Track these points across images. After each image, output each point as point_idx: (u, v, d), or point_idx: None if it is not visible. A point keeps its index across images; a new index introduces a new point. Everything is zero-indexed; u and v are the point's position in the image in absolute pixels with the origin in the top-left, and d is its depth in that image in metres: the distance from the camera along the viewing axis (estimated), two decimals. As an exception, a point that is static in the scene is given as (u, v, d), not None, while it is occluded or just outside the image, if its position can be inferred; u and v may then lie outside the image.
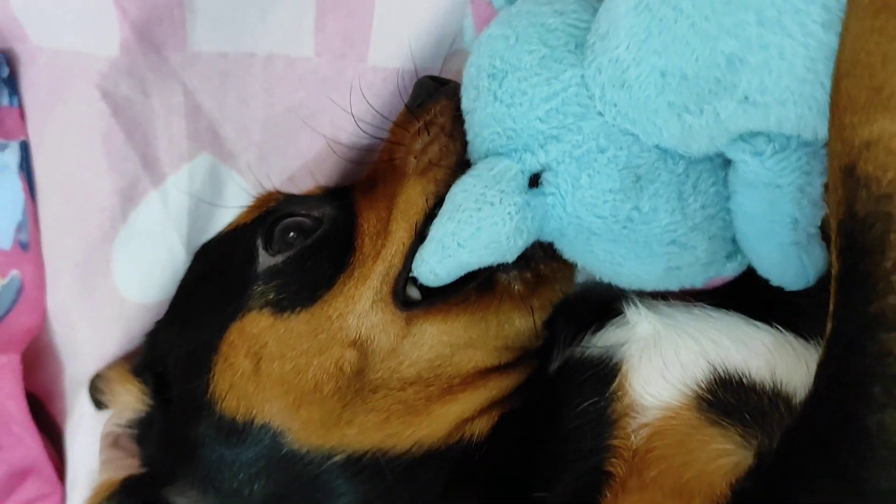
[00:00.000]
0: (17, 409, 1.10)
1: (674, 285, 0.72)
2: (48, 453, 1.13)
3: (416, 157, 0.78)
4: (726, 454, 0.62)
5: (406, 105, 0.83)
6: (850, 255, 0.51)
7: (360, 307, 0.75)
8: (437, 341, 0.75)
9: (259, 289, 0.78)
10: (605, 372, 0.73)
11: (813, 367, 0.56)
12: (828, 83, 0.54)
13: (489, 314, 0.76)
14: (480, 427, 0.76)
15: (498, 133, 0.69)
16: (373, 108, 0.90)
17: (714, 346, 0.70)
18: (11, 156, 1.01)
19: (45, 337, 1.10)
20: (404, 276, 0.76)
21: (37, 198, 1.02)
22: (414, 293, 0.77)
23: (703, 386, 0.68)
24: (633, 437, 0.68)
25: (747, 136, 0.59)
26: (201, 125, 0.97)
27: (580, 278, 0.86)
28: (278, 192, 0.90)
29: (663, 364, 0.71)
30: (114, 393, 0.89)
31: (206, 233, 0.98)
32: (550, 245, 0.75)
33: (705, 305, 0.75)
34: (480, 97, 0.70)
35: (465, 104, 0.74)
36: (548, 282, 0.79)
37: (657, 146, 0.64)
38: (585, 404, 0.72)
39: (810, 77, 0.54)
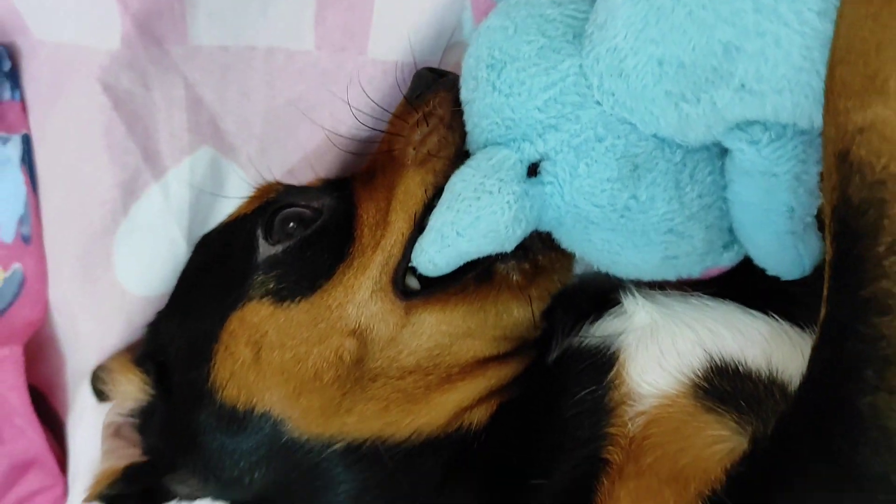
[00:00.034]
0: (20, 402, 1.11)
1: (671, 275, 0.73)
2: (50, 446, 1.13)
3: (414, 149, 0.79)
4: (722, 440, 0.63)
5: (405, 96, 0.84)
6: (843, 241, 0.52)
7: (360, 297, 0.76)
8: (435, 331, 0.76)
9: (259, 278, 0.79)
10: (603, 361, 0.74)
11: (808, 355, 0.56)
12: (823, 71, 0.54)
13: (488, 304, 0.77)
14: (479, 416, 0.77)
15: (496, 123, 0.70)
16: (372, 100, 0.90)
17: (710, 335, 0.71)
18: (13, 149, 1.02)
19: (46, 330, 1.10)
20: (403, 266, 0.76)
21: (38, 191, 1.03)
22: (413, 283, 0.77)
23: (699, 374, 0.69)
24: (629, 425, 0.68)
25: (744, 125, 0.59)
26: (202, 118, 0.97)
27: (578, 269, 0.86)
28: (278, 183, 0.91)
29: (660, 353, 0.71)
30: (115, 383, 0.89)
31: (206, 226, 0.99)
32: (549, 235, 0.75)
33: (702, 295, 0.76)
34: (479, 88, 0.70)
35: (464, 95, 0.74)
36: (546, 272, 0.80)
37: (654, 135, 0.65)
38: (583, 393, 0.72)
39: (806, 65, 0.55)
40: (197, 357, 0.80)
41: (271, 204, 0.85)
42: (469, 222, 0.68)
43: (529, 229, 0.70)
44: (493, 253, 0.71)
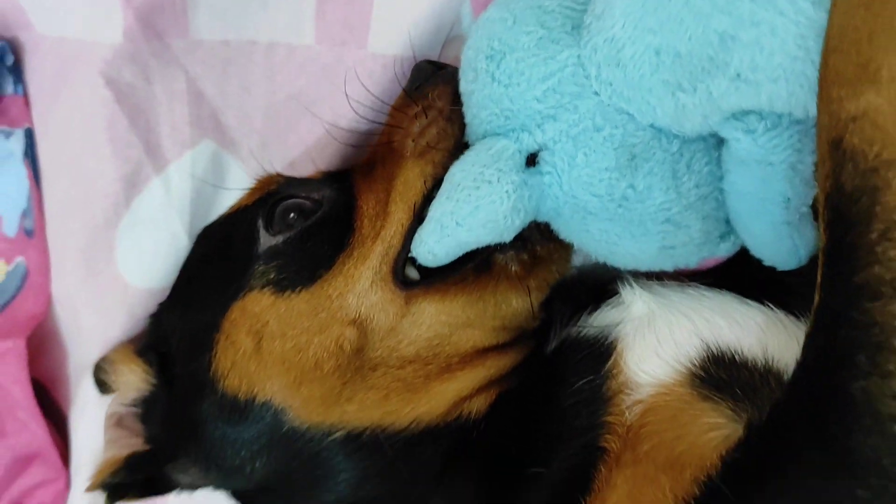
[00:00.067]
0: (23, 395, 1.12)
1: (668, 265, 0.73)
2: (53, 439, 1.14)
3: (413, 140, 0.79)
4: (717, 427, 0.63)
5: (404, 89, 0.84)
6: (836, 228, 0.52)
7: (360, 286, 0.76)
8: (435, 321, 0.76)
9: (260, 268, 0.79)
10: (601, 351, 0.74)
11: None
12: (818, 60, 0.55)
13: (487, 294, 0.78)
14: (478, 405, 0.77)
15: (496, 114, 0.70)
16: (372, 94, 0.91)
17: (707, 325, 0.72)
18: (16, 143, 1.02)
19: (49, 323, 1.11)
20: (403, 257, 0.77)
21: (41, 185, 1.04)
22: (413, 274, 0.78)
23: (696, 363, 0.69)
24: (627, 414, 0.69)
25: (740, 115, 0.60)
26: (203, 112, 0.98)
27: (577, 261, 0.87)
28: (279, 175, 0.91)
29: (657, 342, 0.72)
30: (118, 373, 0.90)
31: (208, 219, 0.99)
32: (547, 226, 0.76)
33: (699, 285, 0.76)
34: (478, 79, 0.71)
35: (464, 86, 0.75)
36: (544, 263, 0.80)
37: (651, 125, 0.65)
38: (581, 382, 0.73)
39: (801, 54, 0.55)
40: (198, 347, 0.81)
41: (272, 195, 0.85)
42: (468, 212, 0.68)
43: (528, 219, 0.71)
44: (492, 243, 0.71)
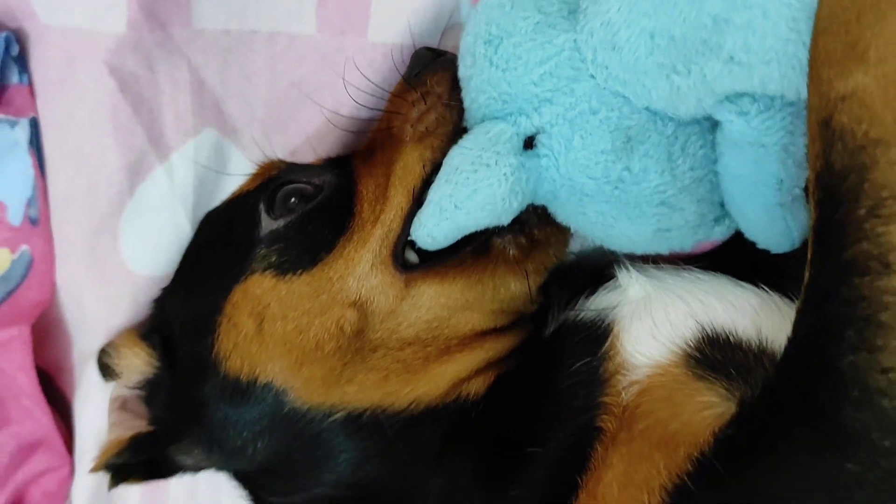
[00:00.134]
0: (28, 382, 1.13)
1: (664, 248, 0.74)
2: (57, 427, 1.15)
3: (412, 126, 0.80)
4: (711, 406, 0.64)
5: (403, 76, 0.85)
6: (826, 206, 0.53)
7: (360, 269, 0.77)
8: (434, 303, 0.77)
9: (262, 252, 0.80)
10: (598, 333, 0.75)
11: (795, 320, 0.58)
12: (809, 43, 0.55)
13: (485, 277, 0.78)
14: (477, 387, 0.78)
15: (493, 98, 0.71)
16: (373, 83, 0.92)
17: (702, 306, 0.72)
18: (21, 132, 1.03)
19: (54, 311, 1.12)
20: (403, 240, 0.78)
21: (46, 173, 1.04)
22: (412, 257, 0.79)
23: (691, 344, 0.70)
24: (623, 394, 0.70)
25: (733, 97, 0.61)
26: (206, 101, 0.99)
27: (575, 247, 0.88)
28: (280, 161, 0.92)
29: (653, 324, 0.73)
30: (122, 356, 0.90)
31: (210, 207, 1.00)
32: (544, 210, 0.77)
33: (694, 268, 0.77)
34: (476, 64, 0.72)
35: (462, 71, 0.76)
36: (542, 246, 0.81)
37: (647, 108, 0.66)
38: (578, 364, 0.74)
39: (793, 37, 0.56)
40: (201, 330, 0.82)
41: (273, 180, 0.86)
42: (467, 195, 0.69)
43: (526, 202, 0.72)
44: (490, 226, 0.72)
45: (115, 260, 1.02)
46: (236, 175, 0.96)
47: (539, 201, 0.74)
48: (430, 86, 0.80)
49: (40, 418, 1.14)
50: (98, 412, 1.03)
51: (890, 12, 0.50)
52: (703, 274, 0.77)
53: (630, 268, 0.79)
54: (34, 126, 1.04)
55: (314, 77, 0.96)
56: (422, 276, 0.77)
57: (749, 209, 0.68)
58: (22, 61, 1.03)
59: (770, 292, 0.73)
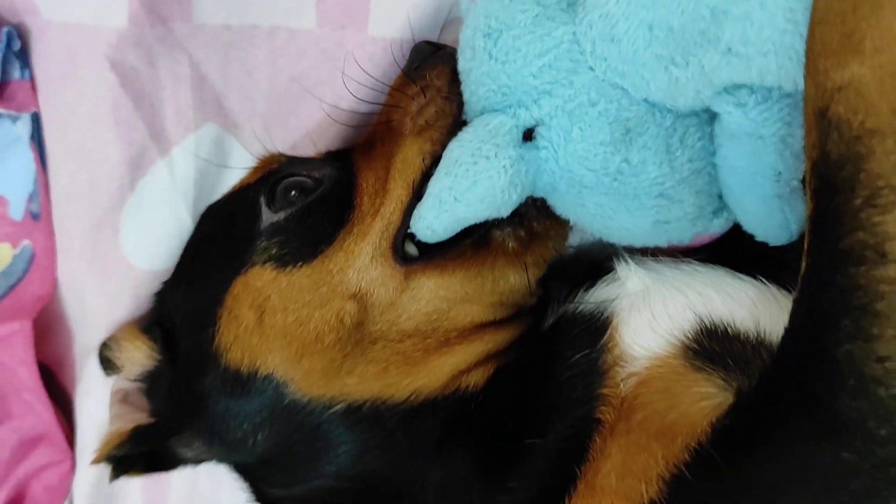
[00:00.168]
0: (29, 376, 1.13)
1: (662, 240, 0.75)
2: (58, 421, 1.15)
3: (412, 119, 0.81)
4: (709, 397, 0.65)
5: (402, 70, 0.86)
6: (822, 196, 0.53)
7: (360, 262, 0.78)
8: (434, 296, 0.78)
9: (262, 244, 0.81)
10: (597, 326, 0.75)
11: (793, 311, 0.58)
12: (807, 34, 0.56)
13: (484, 270, 0.79)
14: (476, 379, 0.79)
15: (493, 91, 0.71)
16: (373, 77, 0.92)
17: (700, 298, 0.73)
18: (23, 127, 1.03)
19: (55, 306, 1.12)
20: (402, 233, 0.78)
21: (47, 168, 1.05)
22: (412, 250, 0.79)
23: (689, 336, 0.71)
24: (622, 386, 0.70)
25: (731, 89, 0.61)
26: (207, 96, 0.99)
27: (574, 241, 0.89)
28: (281, 155, 0.92)
29: (652, 316, 0.73)
30: (123, 349, 0.91)
31: (211, 201, 1.00)
32: (543, 203, 0.77)
33: (692, 261, 0.78)
34: (476, 57, 0.72)
35: (462, 64, 0.76)
36: (541, 239, 0.82)
37: (645, 100, 0.67)
38: (577, 356, 0.74)
39: (790, 28, 0.56)
40: (202, 322, 0.82)
41: (274, 174, 0.87)
42: (466, 187, 0.70)
43: (525, 194, 0.72)
44: (490, 218, 0.73)
45: (117, 254, 1.02)
46: (237, 168, 0.97)
47: (538, 194, 0.74)
48: (429, 79, 0.81)
49: (41, 413, 1.14)
50: (99, 406, 1.03)
51: (886, 3, 0.50)
52: (702, 266, 0.77)
53: (629, 260, 0.79)
54: (36, 121, 1.04)
55: (314, 71, 0.96)
56: (421, 269, 0.78)
57: (747, 201, 0.69)
58: (23, 56, 1.03)
59: (768, 284, 0.73)
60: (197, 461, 0.88)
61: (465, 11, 0.79)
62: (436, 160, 0.76)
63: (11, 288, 1.08)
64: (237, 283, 0.81)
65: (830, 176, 0.53)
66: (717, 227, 0.74)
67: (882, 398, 0.50)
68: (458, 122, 0.78)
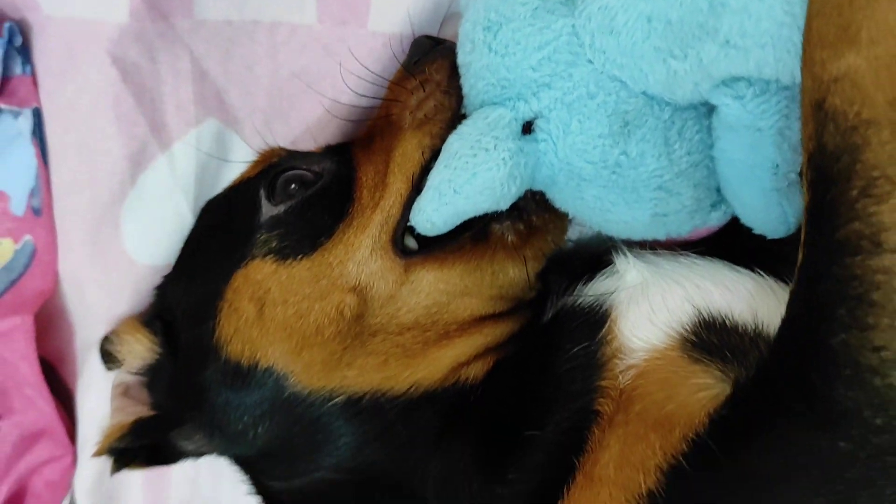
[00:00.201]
0: (30, 371, 1.13)
1: (661, 233, 0.75)
2: (59, 416, 1.16)
3: (411, 113, 0.81)
4: (707, 388, 0.65)
5: (402, 64, 0.86)
6: (819, 187, 0.54)
7: (360, 255, 0.78)
8: (433, 289, 0.78)
9: (262, 237, 0.81)
10: (596, 318, 0.76)
11: (790, 302, 0.58)
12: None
13: (484, 263, 0.79)
14: (475, 371, 0.79)
15: (492, 84, 0.72)
16: (373, 73, 0.92)
17: (698, 291, 0.73)
18: (25, 122, 1.04)
19: (56, 301, 1.12)
20: (402, 226, 0.79)
21: (49, 163, 1.05)
22: (411, 243, 0.79)
23: (687, 328, 0.71)
24: (620, 378, 0.70)
25: (729, 81, 0.62)
26: (207, 91, 0.99)
27: (573, 235, 0.89)
28: (281, 149, 0.93)
29: (651, 309, 0.73)
30: (124, 343, 0.91)
31: (212, 196, 1.01)
32: (543, 197, 0.78)
33: (690, 254, 0.78)
34: (476, 50, 0.73)
35: (461, 58, 0.77)
36: (540, 233, 0.82)
37: (644, 92, 0.67)
38: (576, 349, 0.74)
39: (788, 20, 0.57)
40: (202, 315, 0.83)
41: (274, 167, 0.87)
42: (465, 179, 0.70)
43: (524, 186, 0.72)
44: (489, 211, 0.73)
45: (117, 249, 1.03)
46: (238, 162, 0.97)
47: (537, 187, 0.75)
48: (428, 73, 0.81)
49: (43, 408, 1.15)
50: (100, 401, 1.03)
51: (882, -6, 0.50)
52: (700, 259, 0.77)
53: (627, 253, 0.79)
54: (37, 116, 1.04)
55: (315, 67, 0.96)
56: (421, 262, 0.78)
57: (745, 194, 0.69)
58: (25, 52, 1.03)
59: (766, 277, 0.74)
60: (198, 454, 0.88)
61: (465, 6, 0.79)
62: (435, 154, 0.77)
63: (13, 283, 1.08)
64: (237, 276, 0.81)
65: (827, 167, 0.53)
66: (716, 220, 0.75)
67: (878, 387, 0.51)
68: (457, 116, 0.79)
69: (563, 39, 0.68)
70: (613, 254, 0.80)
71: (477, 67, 0.73)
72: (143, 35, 0.96)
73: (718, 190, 0.72)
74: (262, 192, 0.84)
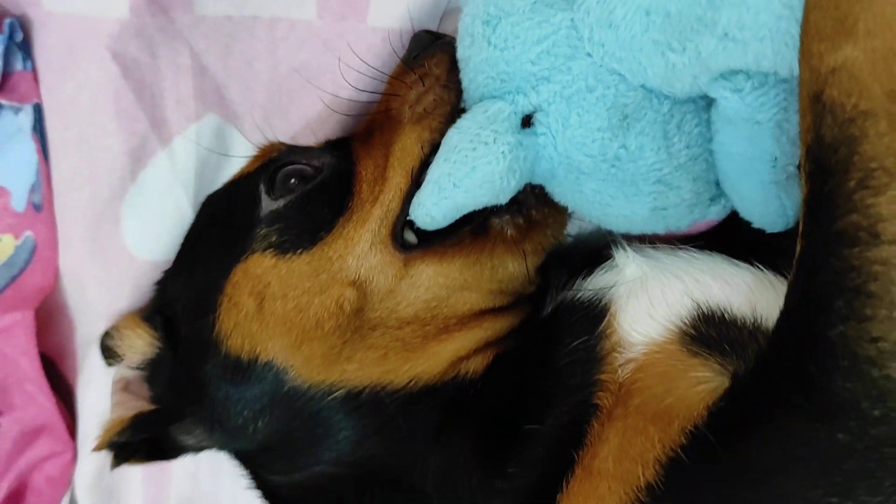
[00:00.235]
0: (31, 367, 1.13)
1: (660, 227, 0.75)
2: (60, 412, 1.16)
3: (411, 107, 0.81)
4: (705, 381, 0.65)
5: (401, 58, 0.86)
6: (817, 178, 0.54)
7: (359, 249, 0.78)
8: (433, 283, 0.78)
9: (262, 231, 0.81)
10: (595, 312, 0.76)
11: (789, 296, 0.59)
12: (802, 19, 0.56)
13: (483, 257, 0.79)
14: (475, 365, 0.79)
15: (492, 77, 0.72)
16: (373, 68, 0.93)
17: (697, 285, 0.73)
18: (25, 118, 1.04)
19: (57, 297, 1.12)
20: (401, 220, 0.79)
21: (49, 159, 1.05)
22: (411, 238, 0.79)
23: (686, 322, 0.71)
24: (619, 372, 0.71)
25: (728, 75, 0.62)
26: (207, 86, 1.00)
27: (572, 230, 0.89)
28: (281, 143, 0.93)
29: (650, 303, 0.74)
30: (124, 338, 0.91)
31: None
32: (542, 191, 0.78)
33: (690, 248, 0.78)
34: (475, 44, 0.73)
35: (461, 52, 0.77)
36: (539, 227, 0.82)
37: (643, 86, 0.67)
38: (576, 343, 0.74)
39: (786, 13, 0.57)
40: (202, 309, 0.83)
41: (273, 162, 0.87)
42: (465, 173, 0.70)
43: (523, 180, 0.73)
44: (489, 204, 0.73)
45: (118, 245, 1.03)
46: (238, 156, 0.97)
47: (537, 180, 0.75)
48: (428, 68, 0.81)
49: (43, 403, 1.15)
50: (101, 397, 1.03)
51: (879, -13, 0.50)
52: (699, 253, 0.77)
53: (627, 248, 0.80)
54: (38, 112, 1.04)
55: (315, 62, 0.97)
56: (420, 256, 0.78)
57: (744, 187, 0.69)
58: (26, 48, 1.03)
59: (765, 271, 0.74)
60: (198, 448, 0.88)
61: (465, 0, 0.79)
62: (434, 148, 0.77)
63: (13, 279, 1.08)
64: (237, 271, 0.81)
65: (825, 159, 0.53)
66: (715, 214, 0.75)
67: (875, 379, 0.51)
68: (456, 110, 0.79)
69: (561, 33, 0.68)
70: (613, 248, 0.80)
71: (476, 61, 0.73)
72: (144, 31, 0.96)
73: (717, 184, 0.73)
74: (262, 187, 0.84)
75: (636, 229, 0.77)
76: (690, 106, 0.69)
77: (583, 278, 0.81)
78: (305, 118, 0.99)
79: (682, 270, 0.75)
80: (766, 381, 0.58)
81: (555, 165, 0.72)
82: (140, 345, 0.89)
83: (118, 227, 1.03)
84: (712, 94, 0.64)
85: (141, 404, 0.88)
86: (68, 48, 1.00)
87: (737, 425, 0.59)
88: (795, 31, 0.57)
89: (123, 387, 0.91)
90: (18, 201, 1.06)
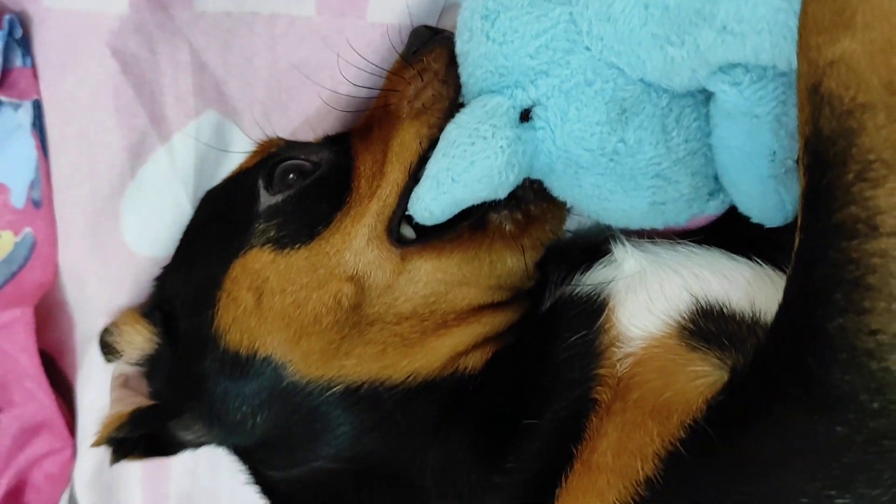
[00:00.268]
0: (30, 364, 1.13)
1: (659, 222, 0.75)
2: (59, 409, 1.16)
3: (409, 103, 0.81)
4: (704, 375, 0.65)
5: (400, 54, 0.86)
6: (815, 171, 0.54)
7: (356, 244, 0.78)
8: (431, 278, 0.78)
9: (261, 226, 0.81)
10: (594, 307, 0.76)
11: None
12: (800, 12, 0.56)
13: (481, 252, 0.79)
14: (474, 361, 0.79)
15: (490, 72, 0.72)
16: (372, 64, 0.93)
17: (696, 280, 0.73)
18: (25, 115, 1.04)
19: (56, 293, 1.13)
20: (399, 215, 0.79)
21: (49, 156, 1.05)
22: (409, 233, 0.79)
23: (685, 316, 0.71)
24: (618, 366, 0.71)
25: (726, 68, 0.62)
26: (207, 82, 1.00)
27: (571, 226, 0.89)
28: (280, 139, 0.93)
29: (648, 298, 0.73)
30: (123, 334, 0.91)
31: (211, 187, 1.01)
32: (541, 186, 0.78)
33: (688, 243, 0.78)
34: (473, 38, 0.73)
35: (459, 47, 0.77)
36: (538, 222, 0.82)
37: (641, 80, 0.67)
38: (574, 338, 0.74)
39: (784, 6, 0.57)
40: (201, 304, 0.83)
41: (272, 157, 0.87)
42: (464, 167, 0.70)
43: (522, 175, 0.72)
44: (487, 199, 0.73)
45: (117, 241, 1.03)
46: (237, 152, 0.97)
47: (535, 175, 0.75)
48: (426, 63, 0.81)
49: (43, 400, 1.15)
50: (100, 394, 1.03)
51: (876, -21, 0.50)
52: (698, 248, 0.77)
53: (625, 242, 0.79)
54: (37, 108, 1.05)
55: (314, 58, 0.97)
56: (418, 251, 0.78)
57: (743, 181, 0.69)
58: (25, 44, 1.03)
59: (763, 265, 0.74)
60: (196, 444, 0.88)
61: (464, -3, 0.79)
62: (433, 144, 0.77)
63: (13, 275, 1.09)
64: (236, 266, 0.81)
65: (823, 151, 0.53)
66: (713, 208, 0.75)
67: (874, 371, 0.51)
68: (455, 106, 0.79)
69: (560, 27, 0.68)
70: (611, 243, 0.80)
71: (475, 56, 0.73)
72: (143, 27, 0.97)
73: (716, 178, 0.73)
74: (261, 182, 0.84)
75: (635, 224, 0.77)
76: (689, 100, 0.69)
77: (581, 273, 0.80)
78: (304, 114, 0.99)
79: (680, 265, 0.75)
80: (764, 374, 0.58)
81: (553, 160, 0.72)
82: (139, 341, 0.89)
83: (117, 223, 1.03)
84: (711, 88, 0.64)
85: (140, 400, 0.88)
86: (68, 44, 1.00)
87: (735, 419, 0.59)
88: (794, 23, 0.57)
89: (123, 383, 0.90)
90: (18, 198, 1.07)
